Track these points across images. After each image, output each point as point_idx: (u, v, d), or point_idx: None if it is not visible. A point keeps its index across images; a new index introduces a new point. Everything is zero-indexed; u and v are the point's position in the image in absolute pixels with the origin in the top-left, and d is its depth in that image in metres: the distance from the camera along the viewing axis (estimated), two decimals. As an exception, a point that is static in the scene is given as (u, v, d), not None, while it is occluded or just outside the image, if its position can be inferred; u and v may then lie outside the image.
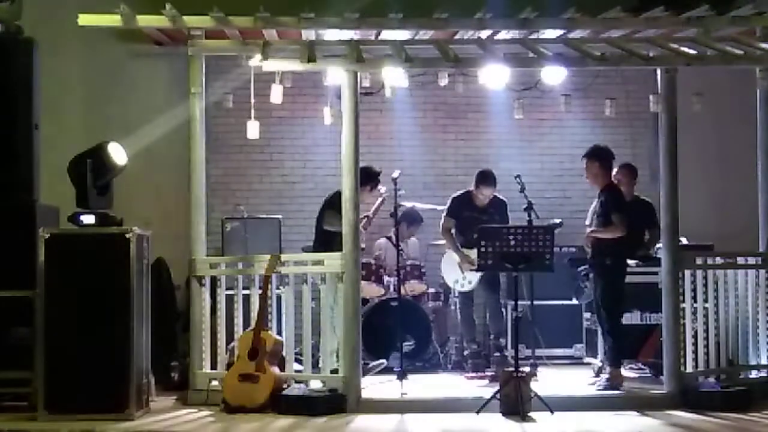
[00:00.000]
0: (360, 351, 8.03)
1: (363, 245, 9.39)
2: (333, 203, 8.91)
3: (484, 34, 8.68)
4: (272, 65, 8.14)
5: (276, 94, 8.45)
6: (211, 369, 8.28)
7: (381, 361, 9.09)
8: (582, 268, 8.95)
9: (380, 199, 9.47)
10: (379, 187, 9.38)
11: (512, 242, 7.79)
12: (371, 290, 9.78)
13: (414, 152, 10.91)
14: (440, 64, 8.23)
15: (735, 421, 7.34)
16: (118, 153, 7.88)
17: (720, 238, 9.47)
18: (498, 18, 8.48)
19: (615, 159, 8.68)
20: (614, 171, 8.85)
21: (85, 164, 7.69)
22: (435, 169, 11.00)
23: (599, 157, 8.55)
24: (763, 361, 8.47)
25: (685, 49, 8.28)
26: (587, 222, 8.99)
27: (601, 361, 8.68)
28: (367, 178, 8.83)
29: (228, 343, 8.32)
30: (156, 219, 8.86)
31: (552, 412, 7.50)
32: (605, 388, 8.20)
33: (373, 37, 8.67)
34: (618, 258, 8.38)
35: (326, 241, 8.90)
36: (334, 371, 8.11)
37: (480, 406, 7.60)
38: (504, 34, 8.69)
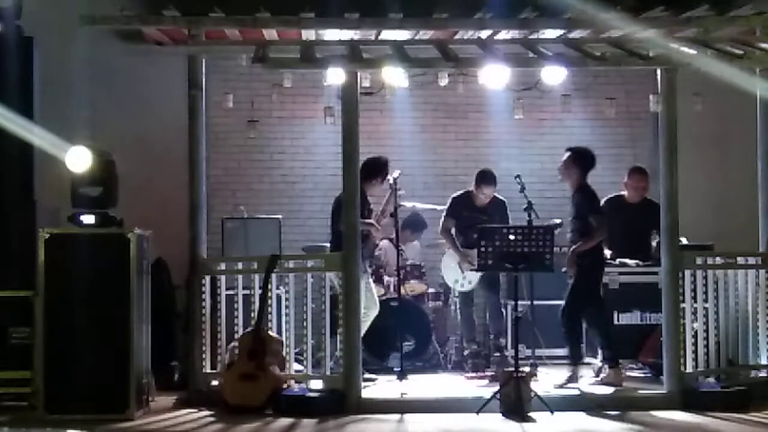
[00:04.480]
0: (360, 351, 8.04)
1: (378, 242, 9.35)
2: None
3: (484, 34, 8.67)
4: (272, 65, 8.14)
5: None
6: (211, 369, 8.28)
7: (374, 376, 8.96)
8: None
9: (390, 191, 9.31)
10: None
11: (512, 242, 7.80)
12: (371, 290, 9.77)
13: (414, 152, 10.89)
14: (440, 64, 8.22)
15: (735, 421, 7.35)
16: (76, 160, 7.64)
17: (720, 238, 9.46)
18: (498, 18, 8.46)
19: (594, 167, 8.68)
20: (625, 178, 8.86)
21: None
22: (435, 169, 10.99)
23: (580, 159, 8.56)
24: (763, 361, 8.47)
25: (685, 49, 8.28)
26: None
27: (601, 362, 8.68)
28: (375, 170, 8.80)
29: (228, 343, 8.31)
30: (156, 219, 8.85)
31: (552, 412, 7.51)
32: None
33: (373, 37, 8.66)
34: (596, 258, 8.37)
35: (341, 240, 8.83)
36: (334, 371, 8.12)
37: (480, 406, 7.60)
38: (504, 34, 8.68)
